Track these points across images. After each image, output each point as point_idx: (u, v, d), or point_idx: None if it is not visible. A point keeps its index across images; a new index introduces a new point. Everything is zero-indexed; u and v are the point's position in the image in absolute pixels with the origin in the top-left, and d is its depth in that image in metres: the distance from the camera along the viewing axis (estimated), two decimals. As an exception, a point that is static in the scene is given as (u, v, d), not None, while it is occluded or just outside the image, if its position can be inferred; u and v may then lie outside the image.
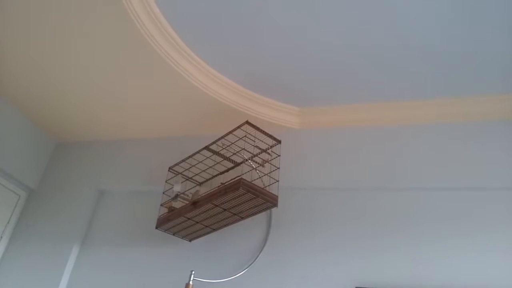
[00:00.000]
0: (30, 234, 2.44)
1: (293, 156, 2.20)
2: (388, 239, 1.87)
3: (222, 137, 1.95)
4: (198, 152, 2.06)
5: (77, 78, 2.23)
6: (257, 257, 1.99)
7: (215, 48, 2.03)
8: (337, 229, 1.96)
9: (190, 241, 2.15)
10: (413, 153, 2.04)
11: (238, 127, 1.90)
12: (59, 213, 2.47)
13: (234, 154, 1.98)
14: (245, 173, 1.83)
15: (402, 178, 1.99)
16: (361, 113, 2.20)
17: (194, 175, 2.17)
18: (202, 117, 2.36)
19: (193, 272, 1.78)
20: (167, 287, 2.04)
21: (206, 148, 2.03)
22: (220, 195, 1.77)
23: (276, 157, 1.92)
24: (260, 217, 2.07)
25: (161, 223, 2.04)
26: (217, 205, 1.84)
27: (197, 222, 1.97)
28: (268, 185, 1.85)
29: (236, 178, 1.74)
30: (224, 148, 2.00)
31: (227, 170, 2.05)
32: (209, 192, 1.84)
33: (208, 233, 2.07)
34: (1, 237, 2.39)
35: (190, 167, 2.14)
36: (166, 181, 2.17)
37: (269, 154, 1.93)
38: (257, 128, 1.91)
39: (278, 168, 1.90)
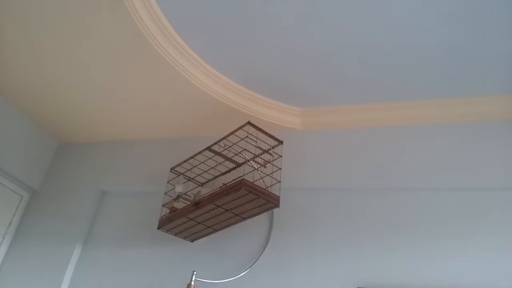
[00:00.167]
0: (32, 234, 2.44)
1: (295, 156, 2.20)
2: (390, 239, 1.87)
3: (224, 138, 1.95)
4: (200, 152, 2.06)
5: (78, 78, 2.23)
6: (259, 257, 1.99)
7: (216, 48, 2.03)
8: (339, 230, 1.96)
9: (192, 241, 2.15)
10: (414, 153, 2.04)
11: (240, 127, 1.91)
12: (62, 213, 2.47)
13: (236, 154, 1.98)
14: (247, 173, 1.83)
15: (404, 178, 2.00)
16: (362, 113, 2.21)
17: (196, 176, 2.17)
18: (204, 118, 2.36)
19: (195, 273, 1.79)
20: (169, 287, 2.05)
21: (208, 148, 2.03)
22: (222, 196, 1.77)
23: (278, 157, 1.92)
24: (262, 218, 2.07)
25: (163, 224, 2.04)
26: (219, 206, 1.84)
27: (199, 223, 1.97)
28: (270, 186, 1.86)
29: (238, 179, 1.75)
30: (226, 149, 2.01)
31: (229, 171, 2.06)
32: (211, 192, 1.85)
33: (210, 233, 2.07)
34: (4, 237, 2.40)
35: (192, 168, 2.14)
36: (168, 182, 2.18)
37: (271, 154, 1.94)
38: (259, 129, 1.91)
39: (280, 168, 1.90)
